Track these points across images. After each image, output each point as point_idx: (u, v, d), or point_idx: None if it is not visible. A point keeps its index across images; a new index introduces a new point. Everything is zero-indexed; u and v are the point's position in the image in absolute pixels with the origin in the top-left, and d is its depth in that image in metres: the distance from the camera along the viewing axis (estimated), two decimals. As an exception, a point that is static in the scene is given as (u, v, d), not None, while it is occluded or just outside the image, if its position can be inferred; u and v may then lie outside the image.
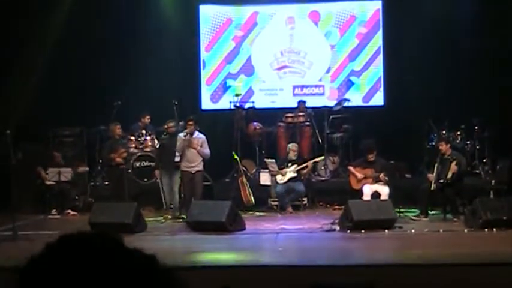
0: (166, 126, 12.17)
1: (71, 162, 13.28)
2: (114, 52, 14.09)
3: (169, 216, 11.68)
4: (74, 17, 13.86)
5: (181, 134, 11.67)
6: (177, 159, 11.70)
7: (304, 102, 14.02)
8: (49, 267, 1.33)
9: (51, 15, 13.86)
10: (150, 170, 12.86)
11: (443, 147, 11.48)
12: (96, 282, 1.31)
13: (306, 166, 12.63)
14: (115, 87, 13.78)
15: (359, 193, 11.68)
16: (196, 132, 11.68)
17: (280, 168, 12.64)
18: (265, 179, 13.12)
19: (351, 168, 12.21)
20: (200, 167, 11.63)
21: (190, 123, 11.61)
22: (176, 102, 12.82)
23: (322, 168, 13.75)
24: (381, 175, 11.65)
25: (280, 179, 12.59)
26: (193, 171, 11.57)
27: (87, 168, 13.40)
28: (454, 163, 11.12)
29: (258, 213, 12.15)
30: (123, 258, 1.36)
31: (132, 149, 13.04)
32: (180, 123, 13.10)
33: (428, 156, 12.79)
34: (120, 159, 12.07)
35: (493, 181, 12.23)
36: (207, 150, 11.64)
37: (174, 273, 1.40)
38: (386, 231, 10.01)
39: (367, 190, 11.65)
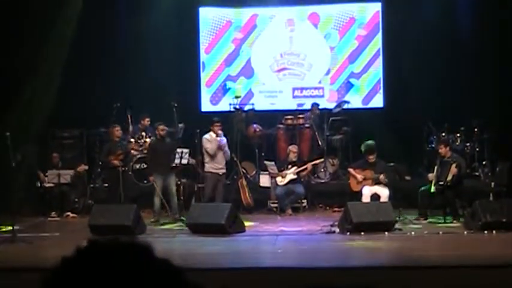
0: (159, 129, 11.88)
1: (70, 164, 13.26)
2: (114, 54, 14.09)
3: (153, 220, 11.52)
4: (73, 19, 13.85)
5: (207, 136, 11.94)
6: (176, 160, 11.66)
7: (317, 104, 14.06)
8: (80, 271, 1.35)
9: (51, 16, 13.85)
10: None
11: (443, 149, 11.47)
12: None
13: (306, 168, 12.62)
14: (115, 88, 13.78)
15: (359, 195, 11.67)
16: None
17: (280, 170, 12.63)
18: (265, 181, 13.13)
19: (351, 170, 12.18)
20: (225, 169, 12.11)
21: (218, 124, 11.96)
22: (175, 104, 12.83)
23: (322, 170, 13.75)
24: (381, 176, 11.64)
25: (280, 181, 12.57)
26: (220, 173, 12.00)
27: (86, 167, 13.31)
28: (454, 166, 11.10)
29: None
30: (152, 268, 1.38)
31: (132, 151, 13.02)
32: (180, 125, 13.12)
33: (427, 158, 12.80)
34: (116, 161, 12.02)
35: (493, 183, 12.20)
36: (229, 152, 12.13)
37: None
38: (386, 233, 10.01)
39: (367, 191, 11.64)
